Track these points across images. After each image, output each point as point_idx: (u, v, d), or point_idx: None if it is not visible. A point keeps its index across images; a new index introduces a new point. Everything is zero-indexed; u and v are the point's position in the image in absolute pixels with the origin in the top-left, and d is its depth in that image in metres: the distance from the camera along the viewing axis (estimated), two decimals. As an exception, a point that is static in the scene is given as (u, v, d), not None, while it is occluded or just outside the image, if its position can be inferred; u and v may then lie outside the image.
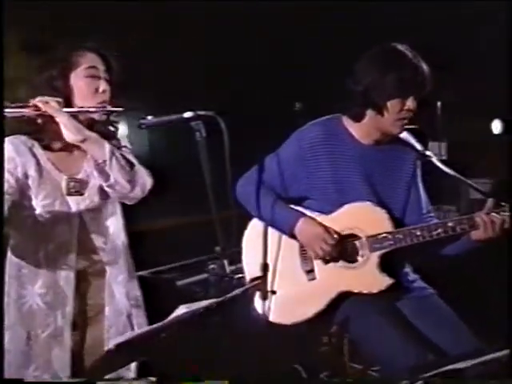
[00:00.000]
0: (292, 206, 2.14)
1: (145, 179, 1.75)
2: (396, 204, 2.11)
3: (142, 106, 1.81)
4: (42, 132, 1.75)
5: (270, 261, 1.99)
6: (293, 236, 2.09)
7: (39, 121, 1.68)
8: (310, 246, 2.05)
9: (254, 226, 2.14)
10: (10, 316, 1.79)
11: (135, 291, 1.88)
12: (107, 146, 1.67)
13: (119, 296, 1.82)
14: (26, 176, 1.75)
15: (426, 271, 2.21)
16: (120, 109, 1.76)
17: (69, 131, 1.63)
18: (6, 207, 1.70)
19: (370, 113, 2.03)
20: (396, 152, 2.13)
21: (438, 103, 3.96)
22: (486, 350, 1.84)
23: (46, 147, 1.78)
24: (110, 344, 1.28)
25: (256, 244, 2.02)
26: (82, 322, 1.81)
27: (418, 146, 2.10)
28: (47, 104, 1.62)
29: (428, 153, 2.10)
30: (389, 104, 1.97)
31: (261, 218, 2.08)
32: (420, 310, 2.04)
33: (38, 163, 1.76)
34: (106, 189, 1.72)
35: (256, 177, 2.10)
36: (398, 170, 2.14)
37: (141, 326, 1.85)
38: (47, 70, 1.76)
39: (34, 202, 1.75)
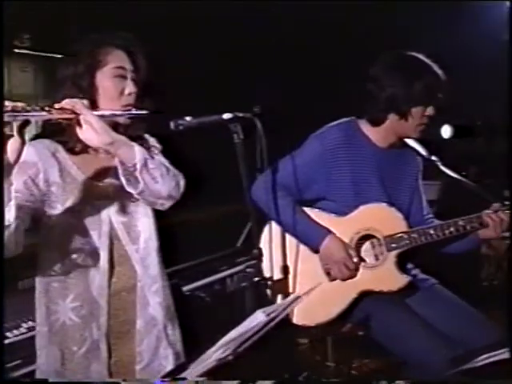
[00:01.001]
0: (309, 208, 2.17)
1: (178, 183, 1.64)
2: (403, 205, 2.21)
3: (166, 108, 1.71)
4: (66, 134, 1.62)
5: (289, 263, 2.01)
6: (316, 250, 2.14)
7: (64, 123, 1.53)
8: (331, 267, 2.11)
9: (272, 228, 2.13)
10: (41, 335, 1.66)
11: (168, 300, 1.77)
12: (137, 149, 1.54)
13: (154, 306, 1.71)
14: (49, 183, 1.61)
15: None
16: (145, 112, 1.64)
17: (96, 133, 1.47)
18: (27, 217, 1.54)
19: (392, 117, 2.11)
20: (404, 156, 2.24)
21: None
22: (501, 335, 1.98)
23: (71, 150, 1.64)
24: (216, 355, 1.21)
25: (274, 246, 2.01)
26: (114, 334, 1.69)
27: (423, 152, 2.22)
28: (75, 105, 1.47)
29: (433, 158, 2.22)
30: (413, 110, 2.06)
31: (280, 223, 2.07)
32: (426, 300, 2.15)
33: (62, 169, 1.63)
34: (137, 196, 1.61)
35: (272, 180, 2.10)
36: (405, 174, 2.25)
37: (176, 337, 1.77)
38: (72, 66, 1.62)
39: (61, 210, 1.61)
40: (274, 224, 2.11)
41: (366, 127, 2.17)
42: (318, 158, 2.12)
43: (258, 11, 2.83)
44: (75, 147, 1.63)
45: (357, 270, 2.11)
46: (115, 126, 1.58)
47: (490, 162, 4.15)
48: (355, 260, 2.11)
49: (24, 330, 2.00)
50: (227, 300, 2.45)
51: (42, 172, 1.59)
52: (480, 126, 3.90)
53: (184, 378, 1.37)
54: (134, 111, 1.61)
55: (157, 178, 1.55)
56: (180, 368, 1.49)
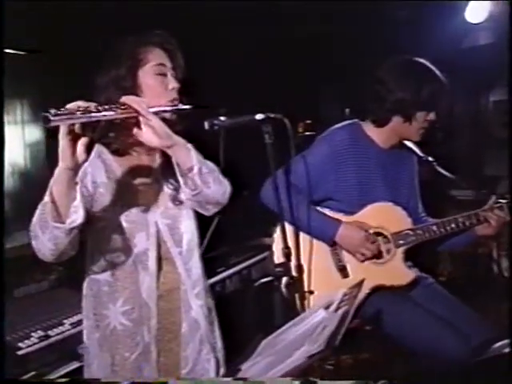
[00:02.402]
0: (317, 207, 2.22)
1: (226, 190, 1.64)
2: (403, 203, 2.30)
3: (209, 105, 1.70)
4: (111, 136, 1.58)
5: (303, 262, 2.04)
6: (333, 243, 2.19)
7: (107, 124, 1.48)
8: (357, 251, 2.18)
9: (284, 229, 2.15)
10: (92, 343, 1.60)
11: (209, 303, 1.75)
12: (193, 153, 1.53)
13: (196, 309, 1.68)
14: (97, 184, 1.57)
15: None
16: (190, 107, 1.62)
17: (156, 136, 1.45)
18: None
19: (396, 119, 2.20)
20: (402, 156, 2.34)
21: (347, 110, 4.20)
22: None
23: (115, 152, 1.61)
24: (303, 352, 1.21)
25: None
26: (162, 338, 1.64)
27: (420, 153, 2.33)
28: (139, 104, 1.43)
29: (430, 158, 2.33)
30: (417, 114, 2.16)
31: (293, 221, 2.09)
32: (429, 296, 2.24)
33: (108, 170, 1.59)
34: (190, 198, 1.58)
35: (284, 180, 2.12)
36: (404, 173, 2.36)
37: (216, 339, 1.75)
38: (113, 69, 1.58)
39: (112, 211, 1.57)
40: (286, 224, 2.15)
41: (368, 128, 2.26)
42: (327, 160, 2.18)
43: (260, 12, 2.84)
44: (119, 149, 1.60)
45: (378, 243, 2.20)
46: None
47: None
48: (371, 232, 2.19)
49: (36, 340, 1.90)
50: (230, 301, 2.44)
51: (89, 174, 1.56)
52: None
53: (244, 378, 1.37)
54: (181, 106, 1.59)
55: (209, 183, 1.55)
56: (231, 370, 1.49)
